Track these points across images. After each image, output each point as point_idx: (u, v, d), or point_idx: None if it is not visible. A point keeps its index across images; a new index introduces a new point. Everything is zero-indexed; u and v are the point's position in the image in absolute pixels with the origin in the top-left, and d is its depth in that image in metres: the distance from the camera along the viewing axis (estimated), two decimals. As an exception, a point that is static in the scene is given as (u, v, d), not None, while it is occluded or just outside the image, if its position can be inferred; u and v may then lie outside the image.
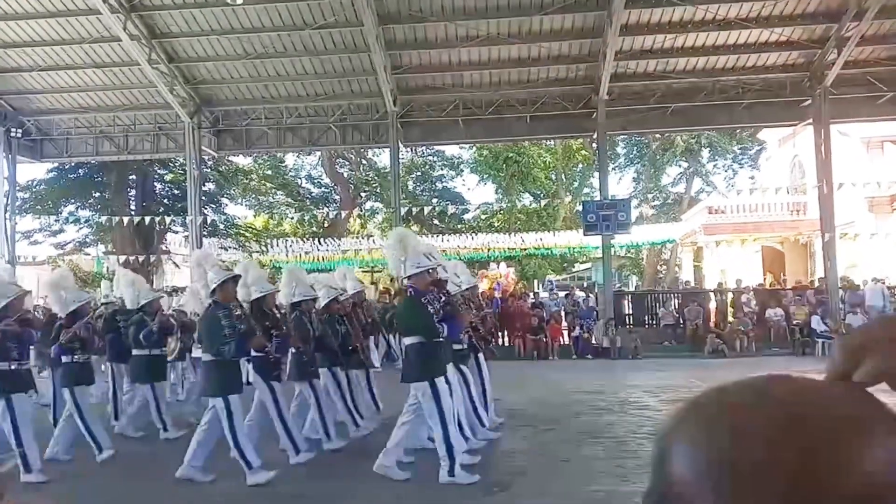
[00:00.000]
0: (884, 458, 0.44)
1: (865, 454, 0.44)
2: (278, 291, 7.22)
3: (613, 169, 31.17)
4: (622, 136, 28.32)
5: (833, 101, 16.13)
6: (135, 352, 7.93)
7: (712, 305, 17.84)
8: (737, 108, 16.81)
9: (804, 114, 16.75)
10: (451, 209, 27.86)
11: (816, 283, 18.26)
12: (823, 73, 15.79)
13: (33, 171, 25.23)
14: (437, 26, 15.06)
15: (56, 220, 25.27)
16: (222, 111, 18.12)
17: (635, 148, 32.41)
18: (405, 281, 6.05)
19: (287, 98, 17.59)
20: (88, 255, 26.75)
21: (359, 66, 16.26)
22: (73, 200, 24.93)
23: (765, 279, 22.95)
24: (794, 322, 16.23)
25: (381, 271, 29.45)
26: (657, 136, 27.76)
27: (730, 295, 18.18)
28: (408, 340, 5.80)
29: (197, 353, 8.15)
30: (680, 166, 33.11)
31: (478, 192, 38.63)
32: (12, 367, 5.95)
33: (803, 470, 0.44)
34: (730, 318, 17.02)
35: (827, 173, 16.39)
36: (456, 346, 6.51)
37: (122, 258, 20.31)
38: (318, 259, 27.66)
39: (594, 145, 21.46)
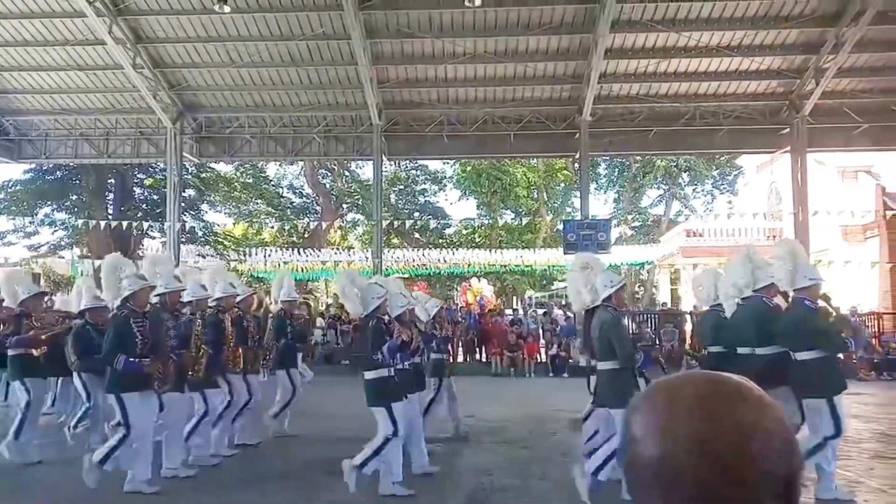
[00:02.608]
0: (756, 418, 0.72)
1: (741, 413, 0.72)
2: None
3: (595, 189, 31.49)
4: (604, 157, 28.61)
5: (810, 130, 16.48)
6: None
7: (688, 327, 17.99)
8: (716, 134, 17.09)
9: (782, 141, 17.07)
10: (432, 223, 27.92)
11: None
12: (802, 102, 16.14)
13: (10, 171, 24.88)
14: (425, 42, 15.16)
15: (31, 222, 24.88)
16: (205, 118, 18.02)
17: (616, 169, 32.79)
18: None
19: (272, 107, 17.55)
20: (63, 258, 26.34)
21: (345, 78, 16.29)
22: (49, 202, 24.57)
23: (740, 303, 23.20)
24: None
25: (360, 283, 29.33)
26: (638, 158, 28.11)
27: (697, 317, 18.34)
28: None
29: None
30: (660, 189, 33.55)
31: (460, 207, 38.75)
32: None
33: (701, 440, 0.71)
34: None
35: (803, 201, 16.70)
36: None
37: (98, 262, 20.04)
38: (297, 269, 27.50)
39: (576, 165, 21.65)
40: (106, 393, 5.90)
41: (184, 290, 6.64)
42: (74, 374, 7.42)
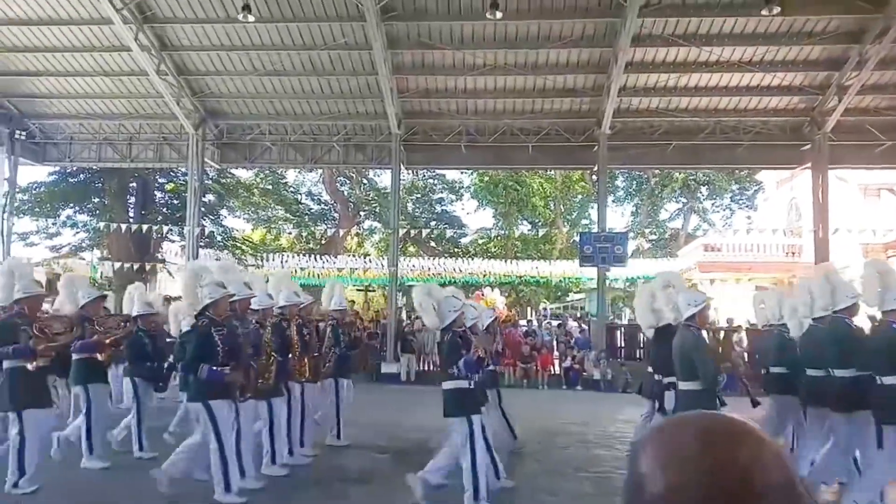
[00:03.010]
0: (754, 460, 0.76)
1: (741, 457, 0.76)
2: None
3: (612, 202, 31.38)
4: (622, 170, 28.52)
5: (832, 146, 16.32)
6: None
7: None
8: (737, 149, 16.98)
9: (803, 158, 16.93)
10: (448, 232, 27.96)
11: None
12: (824, 118, 16.00)
13: (34, 173, 25.28)
14: (445, 53, 15.25)
15: (53, 223, 25.23)
16: (227, 124, 18.24)
17: (634, 182, 32.66)
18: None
19: (292, 115, 17.73)
20: (83, 259, 26.69)
21: (365, 87, 16.42)
22: (71, 204, 24.91)
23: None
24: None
25: (374, 290, 29.45)
26: (656, 171, 27.99)
27: (722, 333, 18.19)
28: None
29: None
30: (678, 202, 33.36)
31: (476, 217, 38.82)
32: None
33: (708, 474, 0.75)
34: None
35: (823, 218, 16.53)
36: None
37: (118, 265, 20.31)
38: (313, 275, 27.65)
39: (594, 177, 21.61)
40: (190, 402, 5.82)
41: (254, 297, 6.60)
42: (126, 379, 7.45)
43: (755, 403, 6.06)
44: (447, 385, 5.80)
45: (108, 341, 6.81)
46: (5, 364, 5.70)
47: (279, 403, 6.79)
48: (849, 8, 13.52)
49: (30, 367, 5.68)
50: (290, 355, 6.97)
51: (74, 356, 6.77)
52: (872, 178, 20.89)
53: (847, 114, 15.76)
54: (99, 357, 6.83)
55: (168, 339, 8.33)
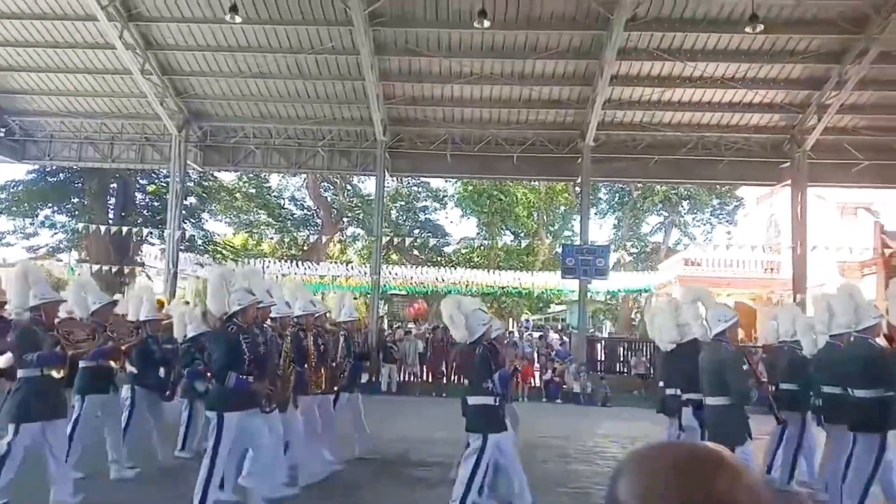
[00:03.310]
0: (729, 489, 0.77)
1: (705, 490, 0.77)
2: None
3: (595, 214, 31.55)
4: (605, 183, 28.71)
5: (811, 164, 16.57)
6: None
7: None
8: (718, 164, 17.17)
9: (783, 175, 17.15)
10: (432, 241, 27.92)
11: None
12: (803, 137, 16.25)
13: (13, 171, 24.92)
14: (432, 61, 15.28)
15: (31, 223, 24.84)
16: (211, 126, 18.09)
17: (617, 195, 32.89)
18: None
19: (277, 118, 17.64)
20: (61, 261, 26.28)
21: (351, 93, 16.39)
22: (50, 204, 24.55)
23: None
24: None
25: (356, 298, 29.29)
26: (639, 185, 28.21)
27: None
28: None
29: None
30: (660, 216, 33.63)
31: (460, 226, 38.83)
32: None
33: (685, 494, 0.77)
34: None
35: (802, 235, 16.74)
36: None
37: (96, 267, 20.01)
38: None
39: (577, 189, 21.72)
40: (207, 410, 5.58)
41: (275, 305, 6.34)
42: (126, 386, 7.09)
43: (779, 420, 6.04)
44: (474, 400, 5.72)
45: (124, 348, 6.51)
46: (21, 373, 5.39)
47: (293, 416, 6.57)
48: (830, 29, 13.77)
49: (56, 374, 5.43)
50: (305, 366, 6.76)
51: (82, 364, 6.43)
52: (850, 196, 21.20)
53: (826, 132, 16.01)
54: (113, 365, 6.56)
55: (167, 345, 7.91)
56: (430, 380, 17.39)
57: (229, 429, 5.26)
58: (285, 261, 28.48)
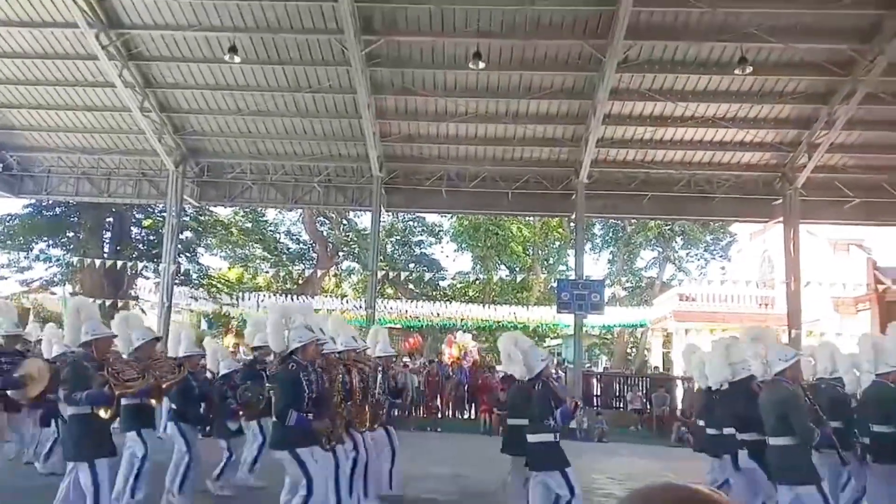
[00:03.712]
0: None
1: None
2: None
3: (590, 249, 31.72)
4: (599, 218, 28.93)
5: (803, 202, 16.76)
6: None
7: (679, 393, 17.89)
8: (710, 201, 17.35)
9: (775, 212, 17.33)
10: (427, 275, 27.96)
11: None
12: (795, 175, 16.47)
13: (9, 205, 24.99)
14: (428, 100, 15.51)
15: (25, 257, 24.79)
16: (208, 162, 18.24)
17: (611, 230, 33.09)
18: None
19: (274, 155, 17.80)
20: (55, 294, 26.17)
21: (348, 130, 16.59)
22: (45, 238, 24.54)
23: (732, 369, 23.10)
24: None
25: (351, 333, 29.15)
26: (633, 220, 28.42)
27: (696, 383, 18.25)
28: None
29: None
30: (654, 251, 33.80)
31: (455, 260, 38.84)
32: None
33: None
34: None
35: (795, 270, 16.85)
36: None
37: (90, 301, 19.92)
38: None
39: (572, 224, 21.87)
40: (274, 449, 5.47)
41: (326, 342, 6.24)
42: (171, 423, 7.01)
43: (845, 462, 5.95)
44: (535, 438, 5.76)
45: (165, 386, 6.39)
46: (70, 410, 5.35)
47: (343, 452, 6.45)
48: (818, 70, 14.07)
49: (104, 414, 5.39)
50: (349, 402, 6.67)
51: (124, 402, 6.29)
52: (842, 233, 21.40)
53: (817, 170, 16.24)
54: (152, 403, 6.46)
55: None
56: (425, 414, 17.30)
57: (310, 462, 5.23)
58: (280, 295, 28.41)
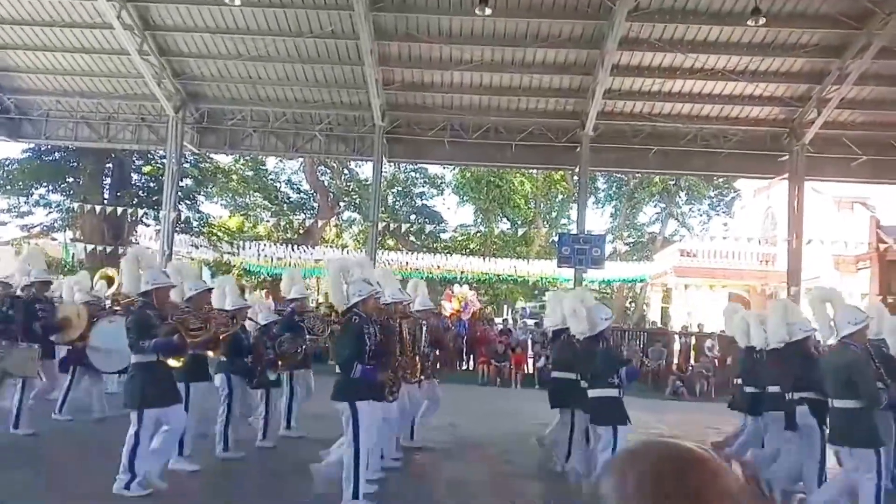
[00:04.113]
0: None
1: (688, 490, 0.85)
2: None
3: (592, 204, 31.58)
4: (603, 172, 28.71)
5: (809, 158, 16.58)
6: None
7: (676, 347, 18.04)
8: (716, 156, 17.17)
9: (781, 168, 17.17)
10: (428, 228, 27.92)
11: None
12: (803, 130, 16.24)
13: (7, 149, 24.79)
14: (432, 47, 15.18)
15: (25, 202, 24.71)
16: (208, 108, 17.98)
17: (615, 185, 32.89)
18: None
19: (275, 102, 17.54)
20: (55, 240, 26.20)
21: (350, 77, 16.29)
22: (44, 183, 24.41)
23: (730, 326, 23.29)
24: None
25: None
26: (637, 175, 28.21)
27: (693, 338, 18.42)
28: None
29: None
30: (657, 206, 33.67)
31: (457, 213, 38.77)
32: None
33: (668, 490, 0.85)
34: (692, 362, 17.22)
35: (798, 228, 16.79)
36: None
37: (90, 247, 19.96)
38: (290, 265, 27.41)
39: (575, 178, 21.70)
40: (335, 400, 5.46)
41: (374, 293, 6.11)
42: (220, 374, 7.01)
43: None
44: (595, 393, 5.91)
45: (222, 337, 6.40)
46: (135, 358, 5.38)
47: (393, 404, 6.49)
48: (832, 23, 13.72)
49: (174, 363, 5.42)
50: (402, 355, 6.69)
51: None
52: (847, 190, 21.25)
53: (825, 126, 16.01)
54: (211, 354, 6.47)
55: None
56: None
57: (364, 416, 5.27)
58: (281, 244, 28.43)
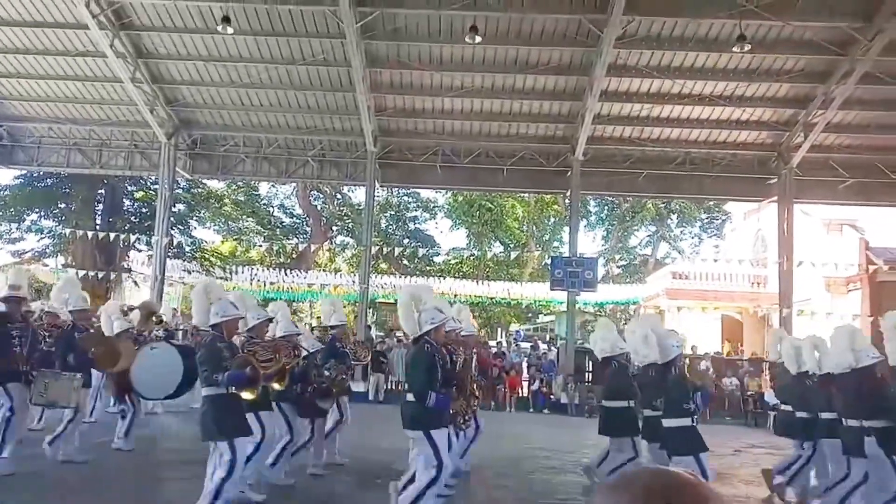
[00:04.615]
0: None
1: None
2: None
3: (584, 227, 31.73)
4: (594, 196, 28.90)
5: (797, 181, 16.77)
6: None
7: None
8: (706, 180, 17.34)
9: (769, 191, 17.34)
10: (421, 251, 27.96)
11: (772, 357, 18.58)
12: (790, 154, 16.44)
13: (0, 176, 24.77)
14: (423, 74, 15.36)
15: (17, 228, 24.64)
16: (201, 134, 18.07)
17: (606, 207, 33.09)
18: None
19: (268, 128, 17.64)
20: (47, 266, 26.08)
21: (342, 104, 16.43)
22: (37, 209, 24.38)
23: (723, 348, 23.33)
24: (748, 392, 16.48)
25: (345, 307, 29.22)
26: (628, 198, 28.42)
27: (687, 360, 18.39)
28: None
29: None
30: (648, 229, 33.86)
31: (450, 236, 38.83)
32: None
33: None
34: (686, 384, 17.19)
35: (788, 250, 16.91)
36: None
37: (82, 273, 19.86)
38: (283, 289, 27.36)
39: (567, 201, 21.85)
40: (409, 429, 5.46)
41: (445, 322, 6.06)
42: (272, 403, 6.83)
43: None
44: (671, 423, 5.80)
45: (287, 368, 6.29)
46: (206, 391, 5.34)
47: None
48: (816, 49, 13.97)
49: (248, 395, 5.38)
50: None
51: None
52: (835, 213, 21.43)
53: (812, 150, 16.22)
54: (276, 386, 6.31)
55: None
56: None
57: (443, 442, 5.29)
58: (274, 269, 28.40)
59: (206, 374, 5.30)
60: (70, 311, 7.87)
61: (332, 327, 8.21)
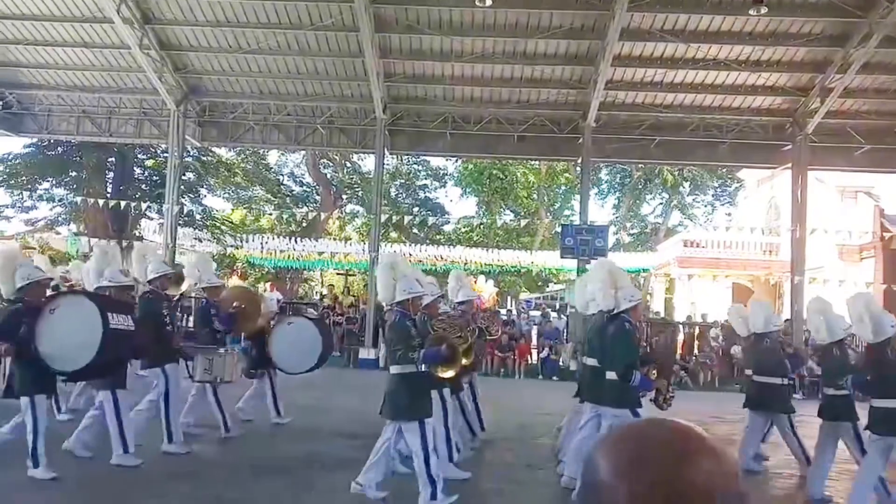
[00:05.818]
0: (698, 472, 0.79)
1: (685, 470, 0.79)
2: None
3: (596, 194, 31.52)
4: (606, 163, 28.65)
5: (813, 148, 16.50)
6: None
7: (679, 337, 18.03)
8: (719, 147, 17.11)
9: (784, 158, 17.10)
10: (431, 219, 27.94)
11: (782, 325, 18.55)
12: (806, 120, 16.16)
13: (10, 144, 24.82)
14: (433, 39, 15.14)
15: (29, 197, 24.77)
16: (209, 102, 17.98)
17: (618, 175, 32.81)
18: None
19: (276, 95, 17.52)
20: (59, 234, 26.30)
21: (351, 70, 16.26)
22: (48, 178, 24.46)
23: (733, 316, 23.29)
24: None
25: (354, 275, 29.38)
26: (640, 166, 28.15)
27: (697, 328, 18.42)
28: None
29: None
30: (661, 197, 33.60)
31: (460, 204, 38.65)
32: None
33: (666, 483, 0.78)
34: (695, 352, 17.24)
35: (801, 218, 16.73)
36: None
37: (94, 240, 20.01)
38: (292, 257, 27.51)
39: (578, 169, 21.67)
40: (609, 406, 5.81)
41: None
42: None
43: None
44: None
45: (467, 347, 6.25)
46: (396, 369, 5.34)
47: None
48: (834, 12, 13.62)
49: (445, 373, 5.42)
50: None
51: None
52: (850, 180, 21.17)
53: (829, 116, 15.93)
54: (464, 362, 6.21)
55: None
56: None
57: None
58: (284, 237, 28.49)
59: (401, 353, 5.26)
60: (203, 288, 8.12)
61: (461, 303, 8.02)
